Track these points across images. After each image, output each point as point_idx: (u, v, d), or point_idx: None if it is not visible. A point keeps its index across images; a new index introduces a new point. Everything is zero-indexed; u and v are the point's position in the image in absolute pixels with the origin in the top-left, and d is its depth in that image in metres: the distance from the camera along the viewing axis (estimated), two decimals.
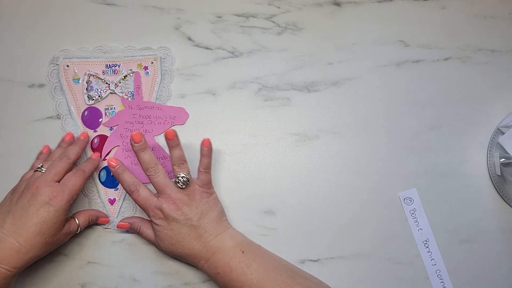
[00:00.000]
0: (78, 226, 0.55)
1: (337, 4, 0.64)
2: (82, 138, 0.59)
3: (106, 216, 0.59)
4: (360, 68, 0.62)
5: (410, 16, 0.63)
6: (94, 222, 0.58)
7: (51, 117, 0.61)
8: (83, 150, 0.59)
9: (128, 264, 0.59)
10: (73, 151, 0.56)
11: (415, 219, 0.60)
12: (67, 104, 0.61)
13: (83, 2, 0.63)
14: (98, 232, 0.59)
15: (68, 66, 0.61)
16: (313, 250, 0.59)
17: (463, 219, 0.60)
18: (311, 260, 0.59)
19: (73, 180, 0.53)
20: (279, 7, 0.63)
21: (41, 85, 0.61)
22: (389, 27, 0.63)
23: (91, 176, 0.60)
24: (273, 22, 0.63)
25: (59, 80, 0.61)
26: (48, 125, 0.61)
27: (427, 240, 0.60)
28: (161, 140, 0.61)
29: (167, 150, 0.60)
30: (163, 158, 0.60)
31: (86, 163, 0.57)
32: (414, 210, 0.60)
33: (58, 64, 0.61)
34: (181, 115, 0.61)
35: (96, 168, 0.59)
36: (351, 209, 0.60)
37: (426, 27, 0.63)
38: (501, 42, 0.63)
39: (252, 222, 0.60)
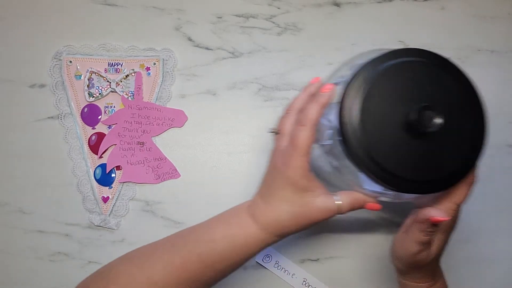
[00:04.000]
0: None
1: (337, 5, 0.64)
2: (324, 91, 0.43)
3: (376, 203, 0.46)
4: None
5: (409, 17, 0.64)
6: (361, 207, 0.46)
7: (52, 117, 0.61)
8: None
9: None
10: (310, 115, 0.43)
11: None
12: (68, 100, 0.61)
13: (82, 3, 0.63)
14: (99, 232, 0.59)
15: (71, 62, 0.61)
16: (313, 250, 0.59)
17: (463, 219, 0.60)
18: (311, 260, 0.59)
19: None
20: (279, 8, 0.63)
21: (42, 85, 0.61)
22: (389, 28, 0.63)
23: (86, 172, 0.60)
24: (273, 22, 0.63)
25: (61, 76, 0.61)
26: (49, 125, 0.61)
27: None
28: (158, 141, 0.61)
29: (164, 152, 0.60)
30: (159, 159, 0.60)
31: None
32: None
33: (61, 60, 0.61)
34: (180, 118, 0.61)
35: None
36: None
37: (425, 28, 0.63)
38: (501, 43, 0.63)
39: None
